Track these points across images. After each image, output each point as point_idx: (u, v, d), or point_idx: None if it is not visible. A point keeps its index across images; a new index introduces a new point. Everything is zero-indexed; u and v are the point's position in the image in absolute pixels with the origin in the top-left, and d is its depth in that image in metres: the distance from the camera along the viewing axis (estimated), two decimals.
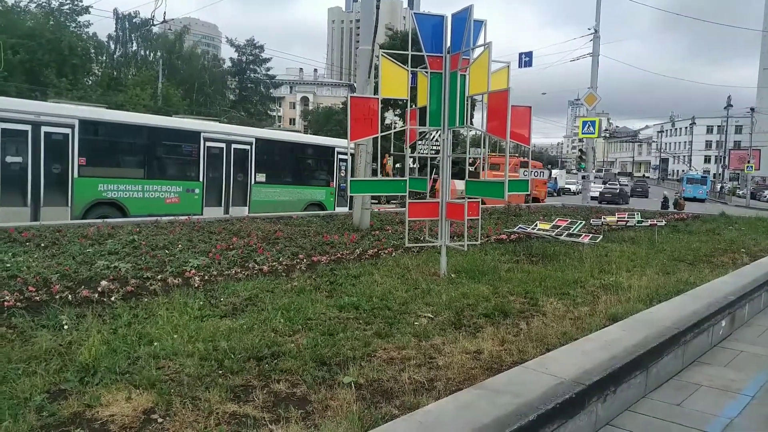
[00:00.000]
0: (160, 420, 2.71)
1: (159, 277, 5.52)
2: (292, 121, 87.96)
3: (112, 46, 42.84)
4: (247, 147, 14.77)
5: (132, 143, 12.94)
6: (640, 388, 3.66)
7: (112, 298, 4.76)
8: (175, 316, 4.24)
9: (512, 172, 17.58)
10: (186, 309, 4.44)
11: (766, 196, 50.26)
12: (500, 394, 2.86)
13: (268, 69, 53.95)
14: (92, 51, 38.26)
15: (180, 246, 7.35)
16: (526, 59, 22.67)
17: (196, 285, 5.33)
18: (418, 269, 6.51)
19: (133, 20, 43.03)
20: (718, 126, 75.81)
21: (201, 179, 13.71)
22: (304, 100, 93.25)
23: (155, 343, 3.65)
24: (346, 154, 15.82)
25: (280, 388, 3.11)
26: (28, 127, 10.95)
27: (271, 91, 55.74)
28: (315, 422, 2.72)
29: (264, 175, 15.23)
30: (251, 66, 52.70)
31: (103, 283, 5.08)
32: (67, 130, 11.43)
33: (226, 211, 13.97)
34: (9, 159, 10.76)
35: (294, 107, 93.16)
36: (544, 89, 60.29)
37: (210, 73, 47.97)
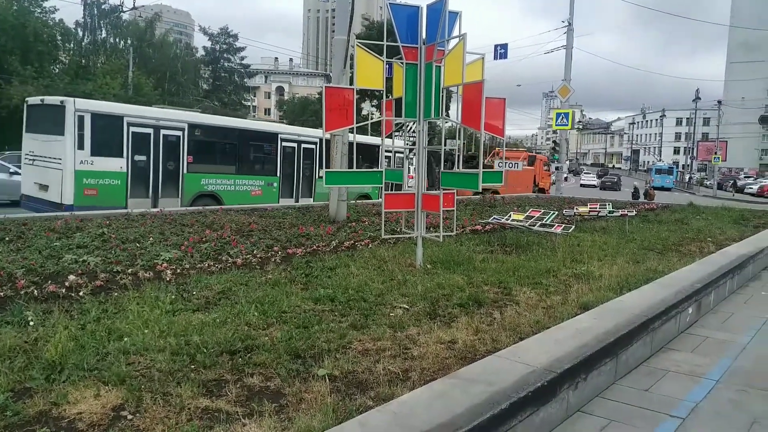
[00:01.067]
0: (129, 417, 2.66)
1: (129, 270, 5.39)
2: (267, 111, 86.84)
3: (80, 33, 41.37)
4: (313, 146, 16.24)
5: (227, 143, 14.63)
6: (610, 374, 3.75)
7: (81, 293, 4.63)
8: (146, 311, 4.15)
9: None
10: (157, 303, 4.35)
11: (731, 188, 51.88)
12: (474, 383, 2.89)
13: (242, 58, 53.12)
14: (59, 38, 36.95)
15: (151, 239, 7.19)
16: (501, 51, 22.75)
17: (168, 279, 5.22)
18: (394, 260, 6.52)
19: (102, 6, 41.70)
20: (687, 118, 77.62)
21: (278, 174, 15.43)
22: (280, 90, 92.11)
23: (125, 339, 3.57)
24: (390, 152, 17.03)
25: (254, 382, 3.08)
26: (151, 131, 12.68)
27: (245, 80, 54.85)
28: (289, 415, 2.71)
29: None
30: (225, 55, 51.80)
31: (71, 277, 4.93)
32: (179, 133, 13.17)
33: (296, 202, 15.42)
34: (137, 158, 12.44)
35: (269, 97, 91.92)
36: (518, 81, 60.82)
37: (182, 62, 46.91)
